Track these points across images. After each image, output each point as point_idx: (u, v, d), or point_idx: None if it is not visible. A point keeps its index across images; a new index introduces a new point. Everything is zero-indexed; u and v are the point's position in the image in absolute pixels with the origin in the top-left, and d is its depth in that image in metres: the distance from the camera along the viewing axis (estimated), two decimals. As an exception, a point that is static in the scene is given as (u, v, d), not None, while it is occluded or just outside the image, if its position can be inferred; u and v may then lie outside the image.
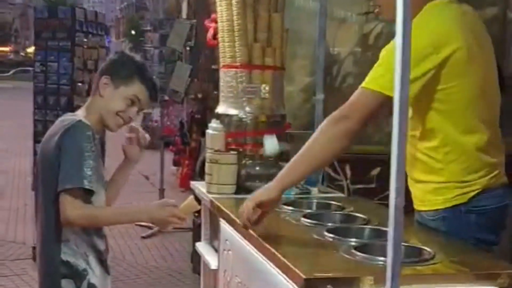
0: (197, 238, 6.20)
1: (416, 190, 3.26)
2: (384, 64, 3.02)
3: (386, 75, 2.92)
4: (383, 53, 3.09)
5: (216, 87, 6.36)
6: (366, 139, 5.29)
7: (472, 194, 3.12)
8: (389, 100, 2.56)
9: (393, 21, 2.29)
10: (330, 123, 3.09)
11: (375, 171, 4.98)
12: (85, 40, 8.87)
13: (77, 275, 3.11)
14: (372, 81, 3.03)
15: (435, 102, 3.08)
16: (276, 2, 4.36)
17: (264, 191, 3.08)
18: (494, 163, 3.19)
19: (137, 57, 3.38)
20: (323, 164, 3.40)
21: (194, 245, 6.74)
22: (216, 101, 4.53)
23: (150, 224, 8.87)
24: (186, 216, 3.27)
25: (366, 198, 4.24)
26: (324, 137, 3.08)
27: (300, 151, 3.07)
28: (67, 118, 3.14)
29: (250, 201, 3.06)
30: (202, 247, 4.34)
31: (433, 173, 3.18)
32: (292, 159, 3.10)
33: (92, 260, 3.16)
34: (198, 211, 6.42)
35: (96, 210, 3.14)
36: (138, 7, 56.94)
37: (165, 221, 3.21)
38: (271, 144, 4.08)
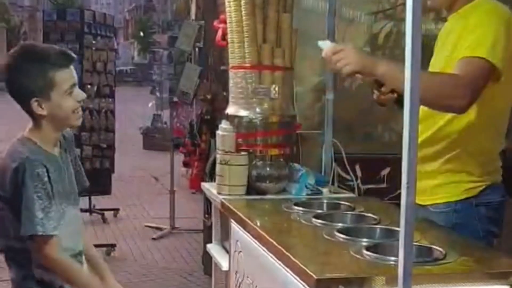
0: (207, 239, 6.21)
1: (424, 184, 3.26)
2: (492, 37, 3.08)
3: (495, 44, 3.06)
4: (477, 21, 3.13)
5: (225, 88, 6.37)
6: (376, 138, 5.29)
7: (481, 188, 3.26)
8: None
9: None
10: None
11: (385, 171, 4.98)
12: (94, 42, 8.90)
13: None
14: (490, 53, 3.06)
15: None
16: (285, 3, 4.35)
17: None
18: (499, 160, 3.35)
19: (27, 45, 3.18)
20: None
21: (205, 246, 6.77)
22: (225, 102, 4.54)
23: (161, 226, 8.92)
24: None
25: (377, 198, 4.23)
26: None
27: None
28: (16, 150, 2.96)
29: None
30: (213, 248, 4.35)
31: (452, 168, 3.27)
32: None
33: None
34: (209, 212, 6.45)
35: (62, 260, 2.96)
36: (147, 9, 57.03)
37: None
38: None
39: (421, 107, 3.02)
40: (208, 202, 6.35)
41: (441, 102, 3.07)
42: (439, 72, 3.23)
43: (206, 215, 6.50)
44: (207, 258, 5.30)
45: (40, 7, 57.32)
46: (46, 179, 2.89)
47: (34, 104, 2.92)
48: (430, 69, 3.36)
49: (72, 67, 2.98)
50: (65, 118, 2.98)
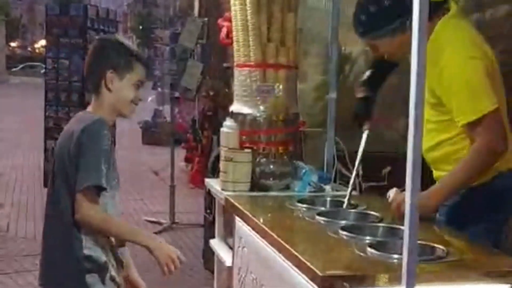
0: (208, 234, 6.26)
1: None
2: (470, 87, 3.23)
3: (481, 94, 3.21)
4: (459, 80, 3.25)
5: (227, 85, 6.41)
6: (378, 138, 5.33)
7: (495, 173, 3.36)
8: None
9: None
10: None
11: (387, 170, 5.02)
12: (97, 37, 8.91)
13: (100, 269, 3.14)
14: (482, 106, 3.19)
15: None
16: (290, 2, 4.40)
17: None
18: None
19: (121, 37, 3.48)
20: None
21: (205, 241, 6.81)
22: (228, 99, 4.58)
23: (161, 220, 8.95)
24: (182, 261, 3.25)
25: (378, 196, 4.27)
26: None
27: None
28: (85, 116, 3.21)
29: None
30: (216, 244, 4.39)
31: None
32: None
33: (109, 252, 3.20)
34: (210, 208, 6.50)
35: (110, 217, 3.15)
36: (146, 3, 56.94)
37: (168, 256, 3.20)
38: None
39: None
40: (209, 198, 6.39)
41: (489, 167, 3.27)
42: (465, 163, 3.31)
43: (208, 211, 6.54)
44: (208, 253, 5.34)
45: (40, 0, 57.19)
46: (109, 142, 3.10)
47: (109, 76, 3.19)
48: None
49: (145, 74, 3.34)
50: (122, 104, 3.25)
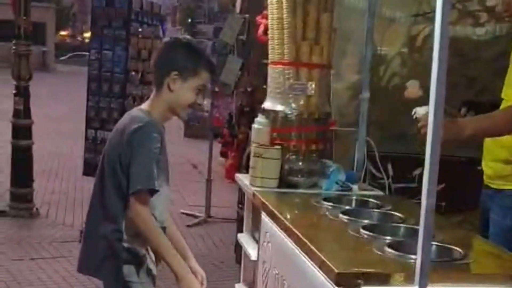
0: (240, 229, 6.33)
1: (502, 170, 3.55)
2: None
3: None
4: None
5: (266, 81, 6.46)
6: (410, 138, 5.34)
7: None
8: None
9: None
10: None
11: (418, 171, 5.03)
12: (140, 30, 9.01)
13: (138, 261, 3.23)
14: None
15: None
16: (326, 2, 4.43)
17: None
18: None
19: (193, 40, 3.55)
20: None
21: (237, 236, 6.88)
22: (265, 95, 4.63)
23: (196, 213, 9.04)
24: None
25: (406, 197, 4.31)
26: None
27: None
28: (138, 115, 3.27)
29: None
30: (243, 238, 4.47)
31: None
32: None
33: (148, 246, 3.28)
34: (243, 203, 6.55)
35: (155, 229, 3.18)
36: (195, -2, 57.01)
37: None
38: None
39: None
40: (242, 193, 6.46)
41: None
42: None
43: (240, 205, 6.61)
44: (239, 248, 5.42)
45: (90, -11, 57.66)
46: (159, 144, 3.18)
47: (173, 76, 3.25)
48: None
49: (210, 79, 3.41)
50: (180, 105, 3.31)
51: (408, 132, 5.37)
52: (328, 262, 2.66)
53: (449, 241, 2.99)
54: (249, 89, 6.80)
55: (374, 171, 4.68)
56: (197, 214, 9.06)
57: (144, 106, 3.36)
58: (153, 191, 3.15)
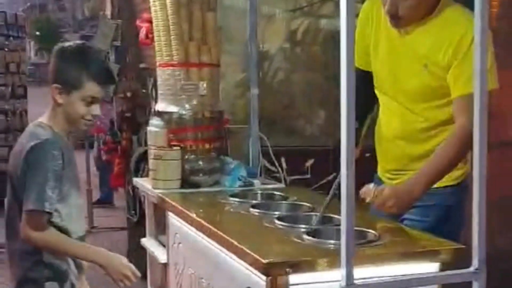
0: (133, 235, 6.29)
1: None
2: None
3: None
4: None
5: (144, 85, 6.44)
6: (299, 132, 5.47)
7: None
8: None
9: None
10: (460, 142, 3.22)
11: (309, 163, 5.14)
12: (7, 43, 8.81)
13: (60, 277, 3.15)
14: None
15: None
16: (209, 1, 4.47)
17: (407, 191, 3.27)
18: None
19: (83, 46, 3.29)
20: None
21: (129, 244, 6.82)
22: (145, 99, 4.62)
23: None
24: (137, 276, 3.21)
25: (304, 188, 4.40)
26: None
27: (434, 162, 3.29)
28: (35, 132, 3.13)
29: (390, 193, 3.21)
30: (147, 242, 4.43)
31: None
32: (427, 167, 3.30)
33: (70, 260, 3.19)
34: (135, 209, 6.50)
35: (56, 238, 3.08)
36: (42, 8, 55.59)
37: (121, 273, 3.14)
38: None
39: None
40: (133, 199, 6.42)
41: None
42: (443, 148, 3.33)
43: (133, 211, 6.55)
44: (136, 255, 5.35)
45: None
46: (60, 161, 3.04)
47: (54, 90, 3.12)
48: (379, 73, 3.54)
49: (108, 86, 3.16)
50: (73, 118, 3.16)
51: (297, 125, 5.53)
52: (253, 254, 2.68)
53: (363, 225, 3.08)
54: (128, 94, 6.74)
55: (268, 165, 4.74)
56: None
57: (43, 119, 3.20)
58: (46, 213, 3.01)
